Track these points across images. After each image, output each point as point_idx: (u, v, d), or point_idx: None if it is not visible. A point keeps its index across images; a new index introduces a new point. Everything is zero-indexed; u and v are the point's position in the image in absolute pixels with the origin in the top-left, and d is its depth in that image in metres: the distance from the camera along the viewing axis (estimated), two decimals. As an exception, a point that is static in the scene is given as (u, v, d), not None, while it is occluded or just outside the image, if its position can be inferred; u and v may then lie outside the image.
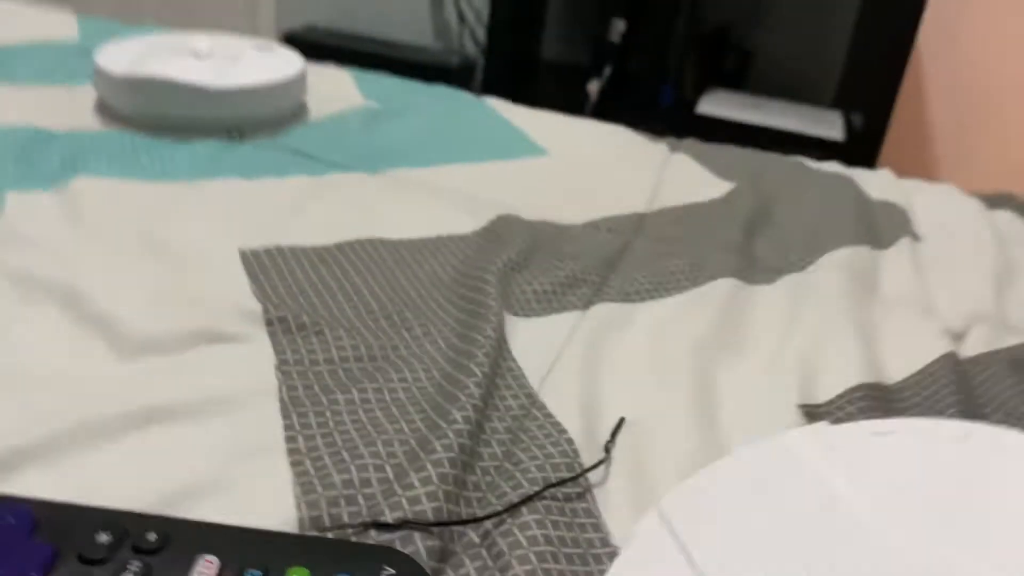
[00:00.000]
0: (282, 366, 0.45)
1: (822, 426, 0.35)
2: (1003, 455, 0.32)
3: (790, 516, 0.30)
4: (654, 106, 1.87)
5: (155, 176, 0.65)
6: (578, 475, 0.39)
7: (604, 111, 1.87)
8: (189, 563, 0.30)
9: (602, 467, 0.41)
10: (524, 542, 0.35)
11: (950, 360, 0.54)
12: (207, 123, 0.75)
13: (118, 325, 0.46)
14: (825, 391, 0.50)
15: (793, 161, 0.90)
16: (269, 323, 0.49)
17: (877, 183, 0.87)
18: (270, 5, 2.29)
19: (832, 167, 0.90)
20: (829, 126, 1.76)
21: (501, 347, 0.49)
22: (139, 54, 0.76)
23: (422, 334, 0.50)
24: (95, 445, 0.38)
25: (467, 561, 0.34)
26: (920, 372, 0.53)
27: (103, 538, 0.30)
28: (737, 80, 2.02)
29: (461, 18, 2.14)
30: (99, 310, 0.47)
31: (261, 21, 2.28)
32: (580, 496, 0.39)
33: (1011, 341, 0.60)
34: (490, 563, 0.34)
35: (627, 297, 0.57)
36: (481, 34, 2.12)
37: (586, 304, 0.56)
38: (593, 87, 1.87)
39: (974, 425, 0.34)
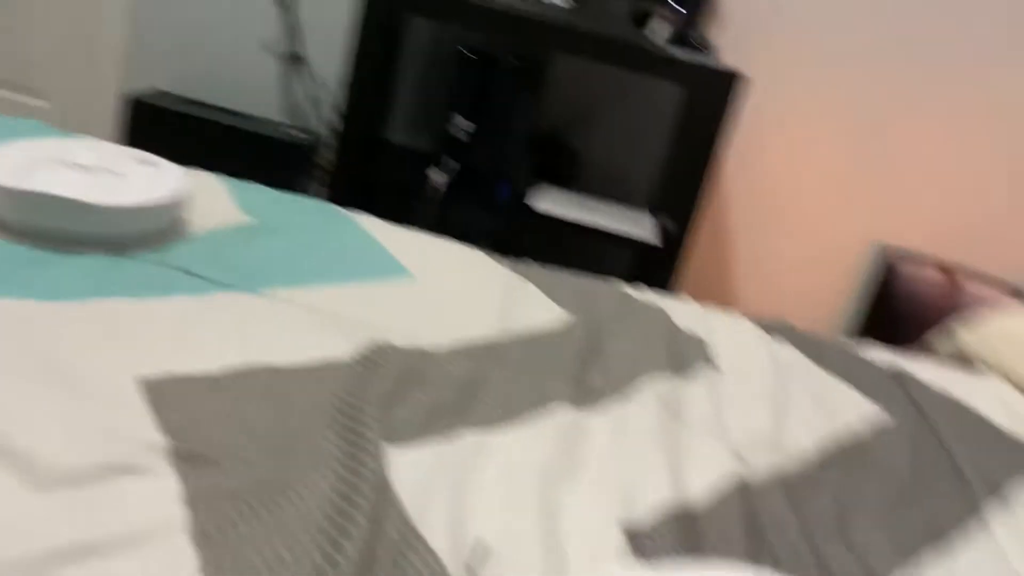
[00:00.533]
0: (189, 499, 0.51)
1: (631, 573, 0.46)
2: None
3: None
4: (493, 199, 2.01)
5: (46, 295, 0.69)
6: (450, 598, 0.49)
7: (449, 201, 2.00)
8: None
9: (467, 587, 0.50)
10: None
11: (738, 485, 0.69)
12: (92, 237, 0.78)
13: (32, 459, 0.50)
14: (643, 510, 0.62)
15: (620, 292, 1.05)
16: (174, 454, 0.55)
17: (683, 313, 1.03)
18: (116, 63, 2.26)
19: (650, 297, 1.06)
20: (644, 228, 1.97)
21: (381, 481, 0.57)
22: (22, 163, 0.80)
23: (309, 466, 0.58)
24: (29, 581, 0.43)
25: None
26: (715, 496, 0.67)
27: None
28: (563, 177, 2.22)
29: (312, 97, 2.21)
30: (15, 445, 0.51)
31: (105, 83, 2.24)
32: (452, 616, 0.48)
33: (785, 464, 0.76)
34: None
35: (486, 423, 0.68)
36: (330, 113, 2.19)
37: (451, 434, 0.66)
38: (439, 178, 1.99)
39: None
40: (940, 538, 0.71)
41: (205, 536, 0.49)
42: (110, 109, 2.26)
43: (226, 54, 2.22)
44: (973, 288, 1.97)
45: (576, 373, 0.81)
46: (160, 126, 1.98)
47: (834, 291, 2.19)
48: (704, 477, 0.69)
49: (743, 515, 0.65)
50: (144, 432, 0.56)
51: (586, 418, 0.74)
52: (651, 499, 0.64)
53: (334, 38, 2.18)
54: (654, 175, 2.22)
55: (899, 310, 2.11)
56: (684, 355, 0.92)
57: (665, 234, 1.92)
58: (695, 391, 0.85)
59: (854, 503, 0.72)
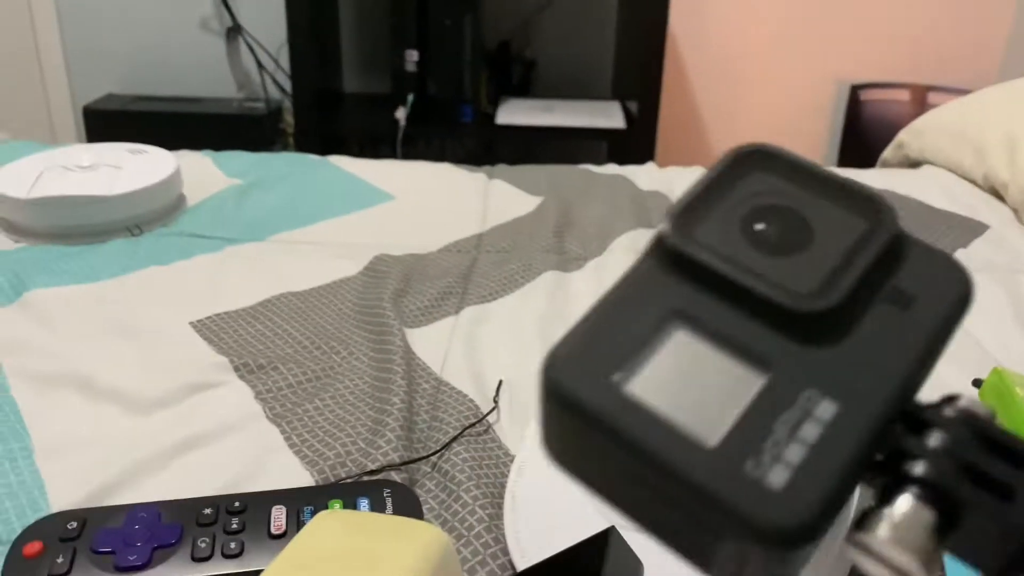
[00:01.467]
0: (258, 396, 0.63)
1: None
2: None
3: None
4: (458, 124, 2.09)
5: (89, 278, 0.80)
6: (480, 419, 0.61)
7: (414, 136, 2.08)
8: (267, 513, 0.48)
9: (494, 412, 0.62)
10: (459, 463, 0.56)
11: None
12: (108, 226, 0.89)
13: (126, 394, 0.62)
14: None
15: (581, 170, 1.16)
16: (236, 369, 0.66)
17: (646, 176, 1.14)
18: (62, 80, 2.31)
19: (611, 169, 1.16)
20: (611, 117, 2.06)
21: (408, 352, 0.69)
22: (30, 175, 0.90)
23: (348, 355, 0.69)
24: (156, 473, 0.55)
25: (427, 482, 0.55)
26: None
27: (208, 511, 0.48)
28: (525, 87, 2.29)
29: (259, 65, 2.26)
30: (106, 386, 0.63)
31: (54, 96, 2.30)
32: (486, 431, 0.60)
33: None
34: (442, 480, 0.55)
35: (484, 299, 0.79)
36: (282, 78, 2.26)
37: (457, 310, 0.77)
38: (400, 114, 2.07)
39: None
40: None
41: (280, 417, 0.61)
42: (71, 124, 2.33)
43: (168, 44, 2.26)
44: (941, 101, 2.05)
45: (555, 245, 0.92)
46: (119, 128, 2.04)
47: (808, 132, 2.27)
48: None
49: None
50: (207, 358, 0.67)
51: (572, 278, 0.85)
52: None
53: (268, 2, 2.23)
54: (611, 63, 2.28)
55: (869, 137, 2.19)
56: (649, 210, 1.03)
57: (632, 116, 2.00)
58: (663, 237, 0.96)
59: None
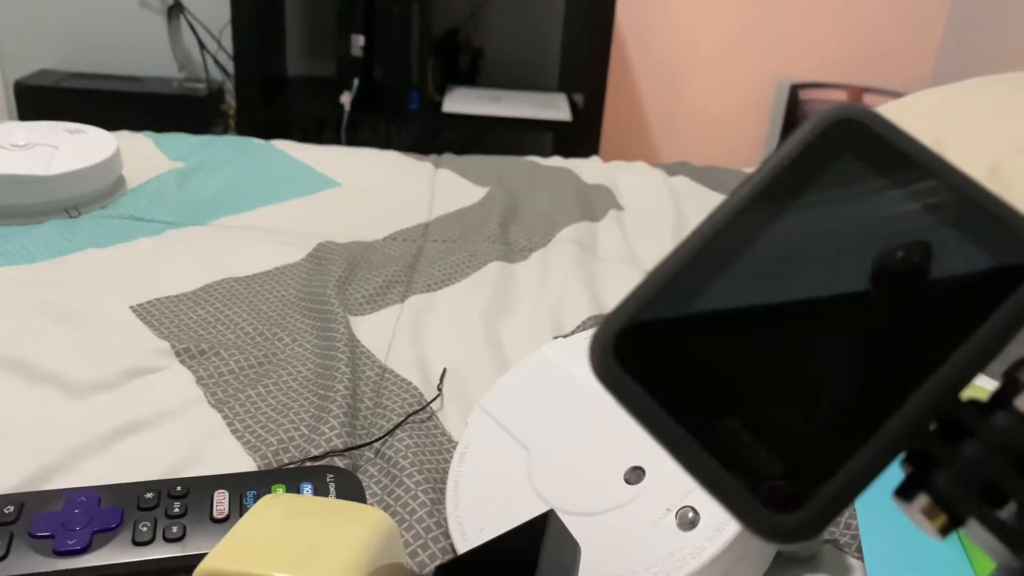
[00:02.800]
0: (200, 381, 0.63)
1: (561, 341, 0.60)
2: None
3: (553, 391, 0.54)
4: (404, 110, 2.08)
5: (24, 260, 0.78)
6: (424, 407, 0.62)
7: (359, 121, 2.06)
8: (210, 497, 0.48)
9: (438, 400, 0.63)
10: (402, 449, 0.57)
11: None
12: (44, 207, 0.87)
13: (64, 377, 0.61)
14: (569, 325, 0.76)
15: (527, 161, 1.17)
16: (177, 354, 0.66)
17: (589, 169, 1.15)
18: (-4, 59, 2.22)
19: (556, 161, 1.18)
20: (557, 109, 2.07)
21: (352, 339, 0.69)
22: (-37, 153, 0.87)
23: (291, 341, 0.70)
24: (95, 457, 0.54)
25: (370, 468, 0.56)
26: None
27: (149, 495, 0.48)
28: (472, 76, 2.29)
29: (201, 46, 2.22)
30: (44, 369, 0.62)
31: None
32: (429, 418, 0.61)
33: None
34: (385, 465, 0.56)
35: (429, 288, 0.80)
36: (224, 59, 2.21)
37: (402, 299, 0.78)
38: (345, 99, 2.05)
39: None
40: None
41: (222, 403, 0.61)
42: (2, 101, 2.25)
43: (106, 21, 2.20)
44: (876, 103, 2.11)
45: (501, 236, 0.93)
46: (53, 106, 1.98)
47: (748, 130, 2.32)
48: (619, 294, 0.83)
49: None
50: (147, 343, 0.67)
51: (516, 269, 0.87)
52: (576, 319, 0.77)
53: (212, -18, 2.18)
54: (558, 55, 2.30)
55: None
56: (593, 204, 1.05)
57: (577, 109, 2.02)
58: (607, 230, 0.98)
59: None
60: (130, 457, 0.55)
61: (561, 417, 0.52)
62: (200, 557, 0.45)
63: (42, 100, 1.99)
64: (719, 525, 0.42)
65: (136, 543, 0.45)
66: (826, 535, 0.54)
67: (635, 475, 0.46)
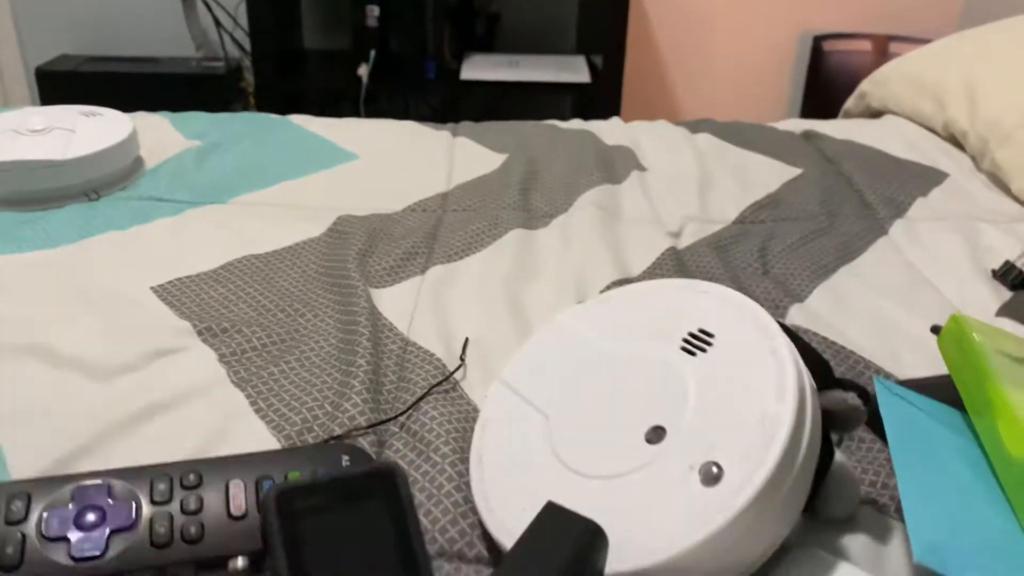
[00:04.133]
0: (222, 359, 0.63)
1: (576, 307, 0.58)
2: (694, 292, 0.55)
3: (569, 358, 0.53)
4: (421, 80, 2.06)
5: (46, 245, 0.78)
6: (447, 377, 0.61)
7: (376, 92, 2.04)
8: (225, 490, 0.48)
9: (461, 370, 0.62)
10: (427, 422, 0.56)
11: (671, 252, 0.81)
12: (63, 191, 0.87)
13: (87, 360, 0.61)
14: (593, 290, 0.74)
15: (547, 125, 1.15)
16: (199, 333, 0.66)
17: (610, 130, 1.13)
18: (12, 41, 2.23)
19: (576, 124, 1.16)
20: (576, 71, 2.04)
21: (374, 312, 0.69)
22: (-18, 141, 0.87)
23: (313, 317, 0.69)
24: (121, 440, 0.54)
25: (396, 443, 0.55)
26: (651, 265, 0.79)
27: (162, 487, 0.47)
28: (489, 42, 2.26)
29: (217, 23, 2.20)
30: (68, 354, 0.62)
31: (5, 57, 2.22)
32: (453, 388, 0.61)
33: (712, 230, 0.88)
34: (411, 440, 0.55)
35: (450, 258, 0.79)
36: (240, 36, 2.20)
37: (423, 270, 0.77)
38: (363, 71, 2.03)
39: (680, 280, 0.57)
40: (851, 256, 0.83)
41: (244, 382, 0.60)
42: (23, 87, 2.26)
43: (123, 3, 2.20)
44: (902, 51, 2.04)
45: (521, 203, 0.92)
46: (74, 90, 1.98)
47: (771, 84, 2.27)
48: (643, 257, 0.81)
49: (674, 269, 0.77)
50: (169, 323, 0.67)
51: (537, 236, 0.85)
52: (599, 284, 0.76)
53: (225, -42, 2.16)
54: (575, 17, 2.25)
55: (832, 88, 2.19)
56: (615, 165, 1.03)
57: (596, 71, 1.99)
58: (629, 192, 0.96)
59: (774, 245, 0.85)
60: (155, 439, 0.55)
61: (578, 383, 0.51)
62: (219, 558, 0.44)
63: (64, 85, 2.00)
64: (743, 480, 0.40)
65: (154, 545, 0.43)
66: (863, 495, 0.52)
67: (656, 435, 0.45)
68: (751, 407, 0.43)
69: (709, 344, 0.48)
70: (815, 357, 0.50)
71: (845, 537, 0.49)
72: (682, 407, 0.46)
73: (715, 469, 0.42)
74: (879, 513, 0.51)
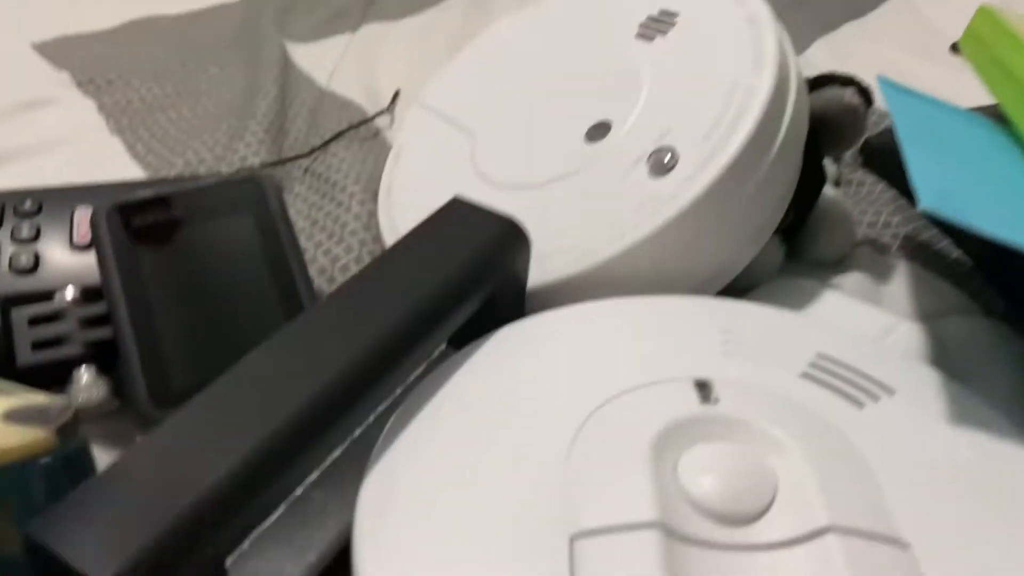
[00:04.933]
0: (102, 109, 0.53)
1: (514, 17, 0.47)
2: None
3: (503, 70, 0.43)
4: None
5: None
6: (367, 120, 0.51)
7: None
8: (70, 217, 0.38)
9: (387, 119, 0.52)
10: (337, 163, 0.46)
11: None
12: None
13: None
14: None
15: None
16: (79, 84, 0.55)
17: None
18: None
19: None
20: None
21: (288, 64, 0.58)
22: None
23: (219, 71, 0.58)
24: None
25: (297, 186, 0.46)
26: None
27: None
28: None
29: None
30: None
31: None
32: (374, 136, 0.51)
33: None
34: (314, 182, 0.46)
35: (389, 18, 0.67)
36: None
37: (354, 28, 0.65)
38: None
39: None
40: (859, 13, 0.71)
41: (124, 128, 0.50)
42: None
43: None
44: None
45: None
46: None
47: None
48: None
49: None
50: (49, 73, 0.56)
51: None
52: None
53: None
54: None
55: None
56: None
57: None
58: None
59: None
60: (12, 184, 0.45)
61: (512, 94, 0.41)
62: (52, 292, 0.35)
63: None
64: (703, 162, 0.31)
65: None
66: (858, 236, 0.43)
67: (599, 131, 0.35)
68: (720, 80, 0.33)
69: (672, 25, 0.38)
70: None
71: (835, 276, 0.40)
72: (634, 97, 0.36)
73: (668, 157, 0.32)
74: (878, 253, 0.42)
